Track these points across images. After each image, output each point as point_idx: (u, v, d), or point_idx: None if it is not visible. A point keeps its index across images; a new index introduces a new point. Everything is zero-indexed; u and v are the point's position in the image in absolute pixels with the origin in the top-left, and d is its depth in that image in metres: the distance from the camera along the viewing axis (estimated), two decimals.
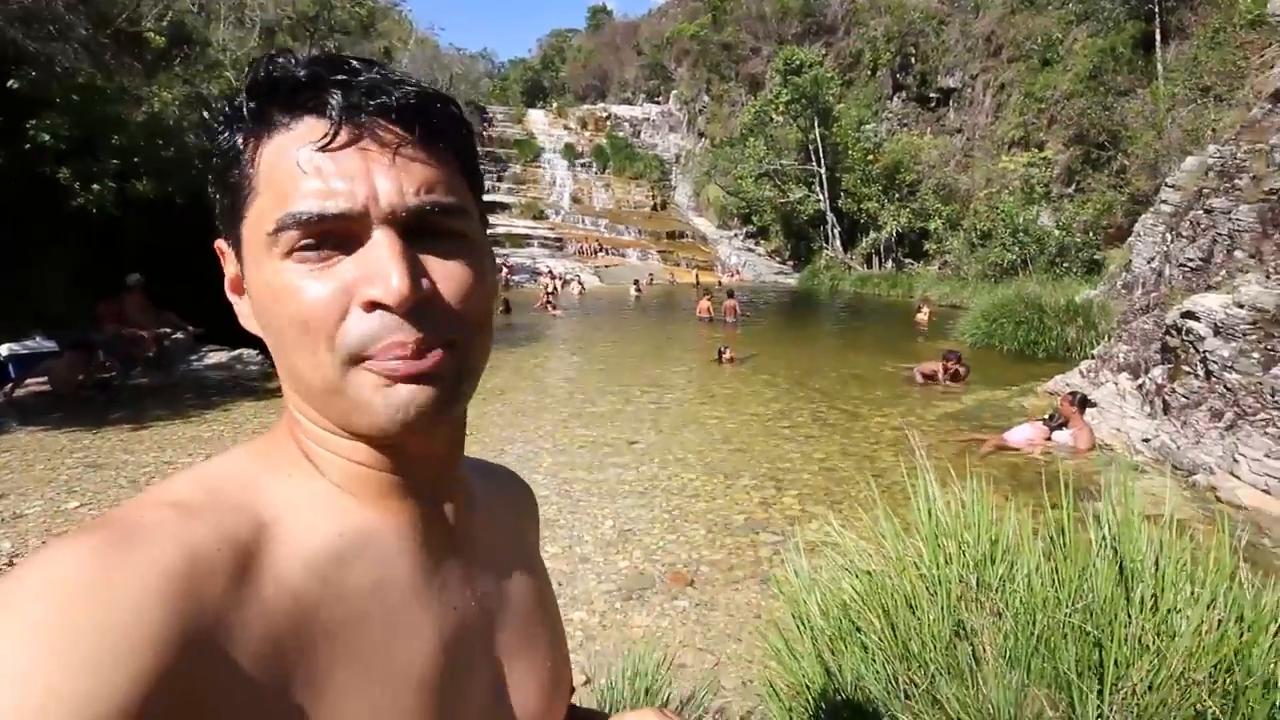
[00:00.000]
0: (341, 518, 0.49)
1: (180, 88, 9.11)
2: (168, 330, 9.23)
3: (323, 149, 0.45)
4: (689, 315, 16.66)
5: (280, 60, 0.47)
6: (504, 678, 0.57)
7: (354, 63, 0.47)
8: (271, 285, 0.46)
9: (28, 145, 7.70)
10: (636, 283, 22.66)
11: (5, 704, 0.33)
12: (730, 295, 16.25)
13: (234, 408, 7.14)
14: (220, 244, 0.52)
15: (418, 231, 0.46)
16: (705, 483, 5.15)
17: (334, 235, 0.45)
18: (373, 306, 0.44)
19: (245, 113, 0.47)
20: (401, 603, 0.49)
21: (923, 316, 15.03)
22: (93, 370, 7.79)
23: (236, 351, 9.22)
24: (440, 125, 0.49)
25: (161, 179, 8.47)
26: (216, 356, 9.13)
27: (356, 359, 0.45)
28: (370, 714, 0.46)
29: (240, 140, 0.47)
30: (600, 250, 29.99)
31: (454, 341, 0.47)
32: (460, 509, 0.57)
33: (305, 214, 0.44)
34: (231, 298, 0.52)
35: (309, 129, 0.45)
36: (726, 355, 10.10)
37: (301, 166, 0.45)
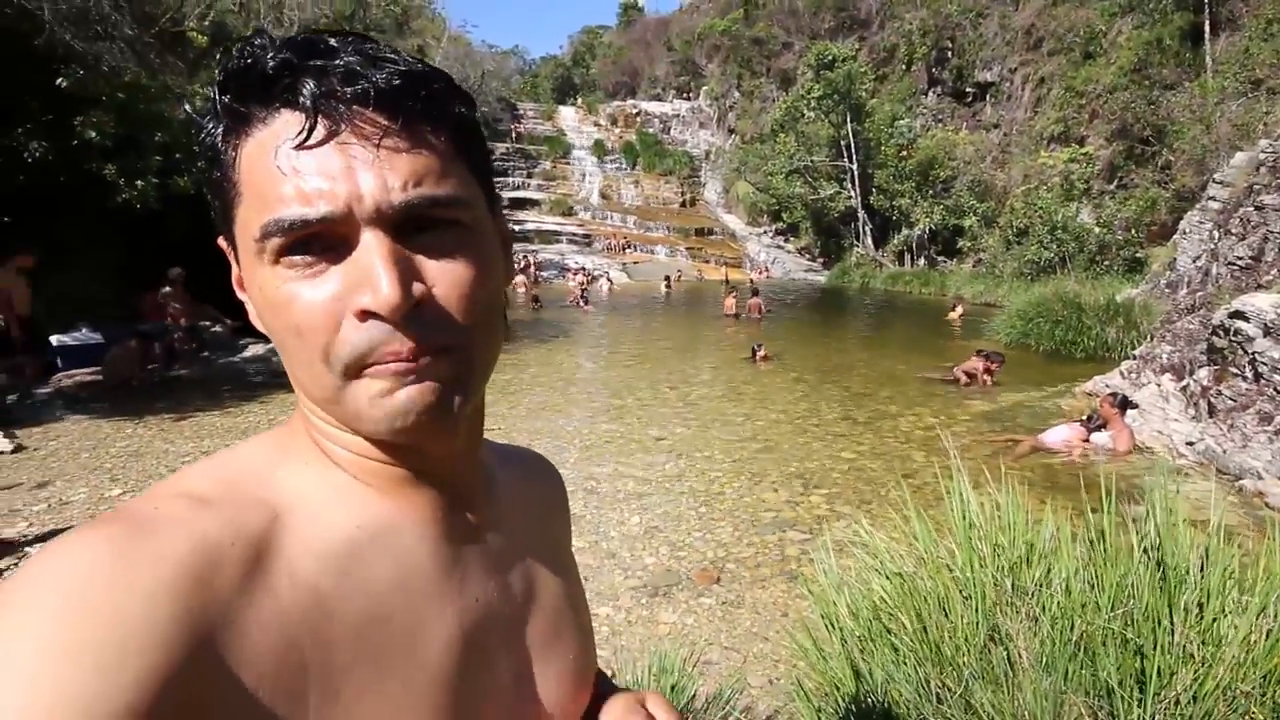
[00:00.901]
0: (359, 510, 0.48)
1: None
2: (206, 323, 9.47)
3: (299, 147, 0.42)
4: (718, 312, 16.59)
5: (255, 44, 0.43)
6: (526, 671, 0.56)
7: (331, 42, 0.44)
8: (265, 293, 0.45)
9: (75, 142, 7.95)
10: (667, 279, 22.61)
11: (12, 703, 0.32)
12: (755, 293, 16.15)
13: (270, 400, 7.29)
14: (222, 242, 0.50)
15: (410, 227, 0.44)
16: (732, 480, 5.13)
17: (321, 239, 0.43)
18: (366, 316, 0.43)
19: (219, 109, 0.44)
20: (421, 597, 0.48)
21: (955, 315, 14.79)
22: (147, 361, 8.06)
23: (272, 345, 9.42)
24: (429, 107, 0.45)
25: None
26: (254, 349, 9.32)
27: (354, 371, 0.44)
28: (389, 710, 0.45)
29: (220, 139, 0.45)
30: (629, 247, 29.99)
31: (453, 345, 0.45)
32: (481, 499, 0.56)
33: (288, 220, 0.42)
34: (240, 295, 0.51)
35: (286, 124, 0.42)
36: (760, 353, 9.89)
37: (279, 167, 0.42)
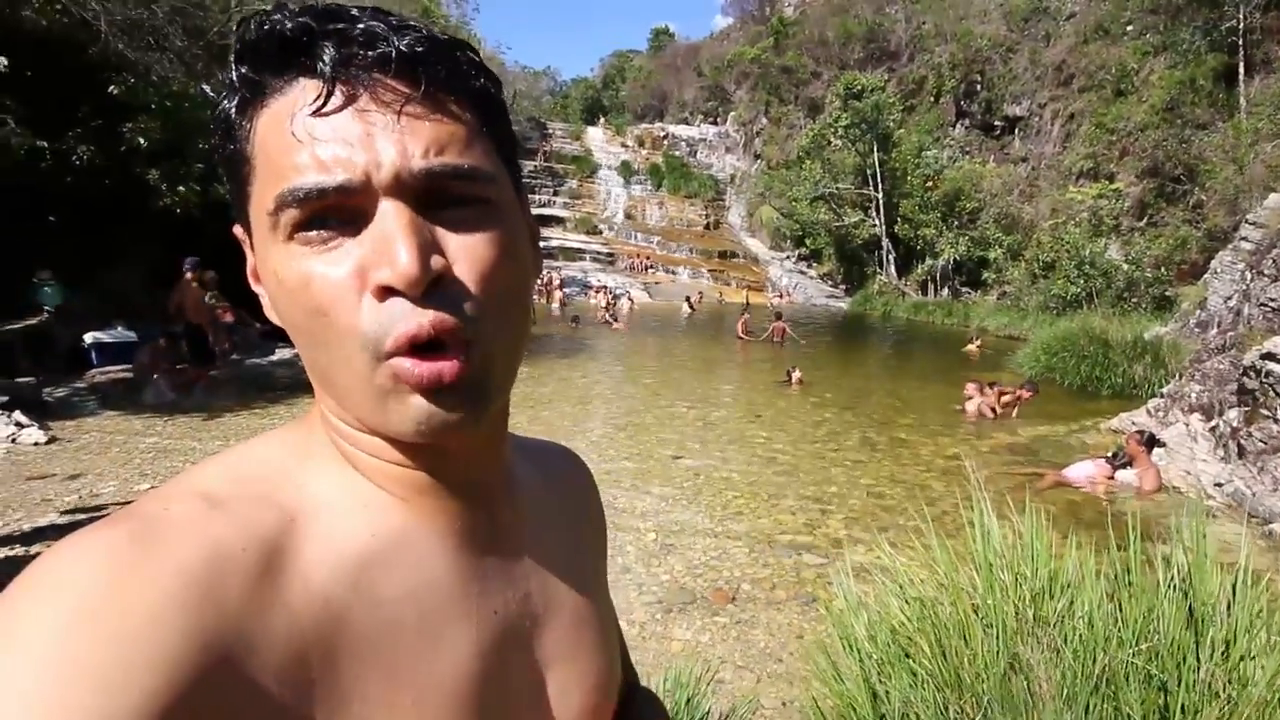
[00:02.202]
0: (376, 517, 0.46)
1: None
2: (238, 325, 9.68)
3: (316, 113, 0.39)
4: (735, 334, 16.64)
5: (274, 16, 0.41)
6: (545, 685, 0.53)
7: (353, 10, 0.41)
8: (279, 273, 0.41)
9: (122, 147, 8.23)
10: (689, 299, 22.69)
11: None
12: (778, 317, 16.15)
13: (297, 403, 7.42)
14: (237, 230, 0.47)
15: (433, 200, 0.41)
16: (749, 501, 5.12)
17: (338, 211, 0.40)
18: (385, 293, 0.40)
19: (236, 80, 0.42)
20: (437, 608, 0.46)
21: (973, 348, 14.72)
22: (177, 361, 8.25)
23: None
24: (453, 77, 0.43)
25: None
26: (283, 353, 9.51)
27: (382, 354, 0.40)
28: None
29: (234, 111, 0.42)
30: (651, 267, 30.17)
31: (474, 337, 0.42)
32: (503, 502, 0.53)
33: (303, 190, 0.39)
34: (254, 287, 0.47)
35: (303, 92, 0.40)
36: (796, 376, 9.80)
37: (295, 135, 0.39)
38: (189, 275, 7.69)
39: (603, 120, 47.88)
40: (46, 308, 8.67)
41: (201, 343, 7.94)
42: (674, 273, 30.31)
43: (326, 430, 0.48)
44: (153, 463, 5.34)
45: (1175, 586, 1.92)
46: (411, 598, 0.45)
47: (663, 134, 43.04)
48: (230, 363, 9.17)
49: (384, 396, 0.41)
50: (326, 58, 0.40)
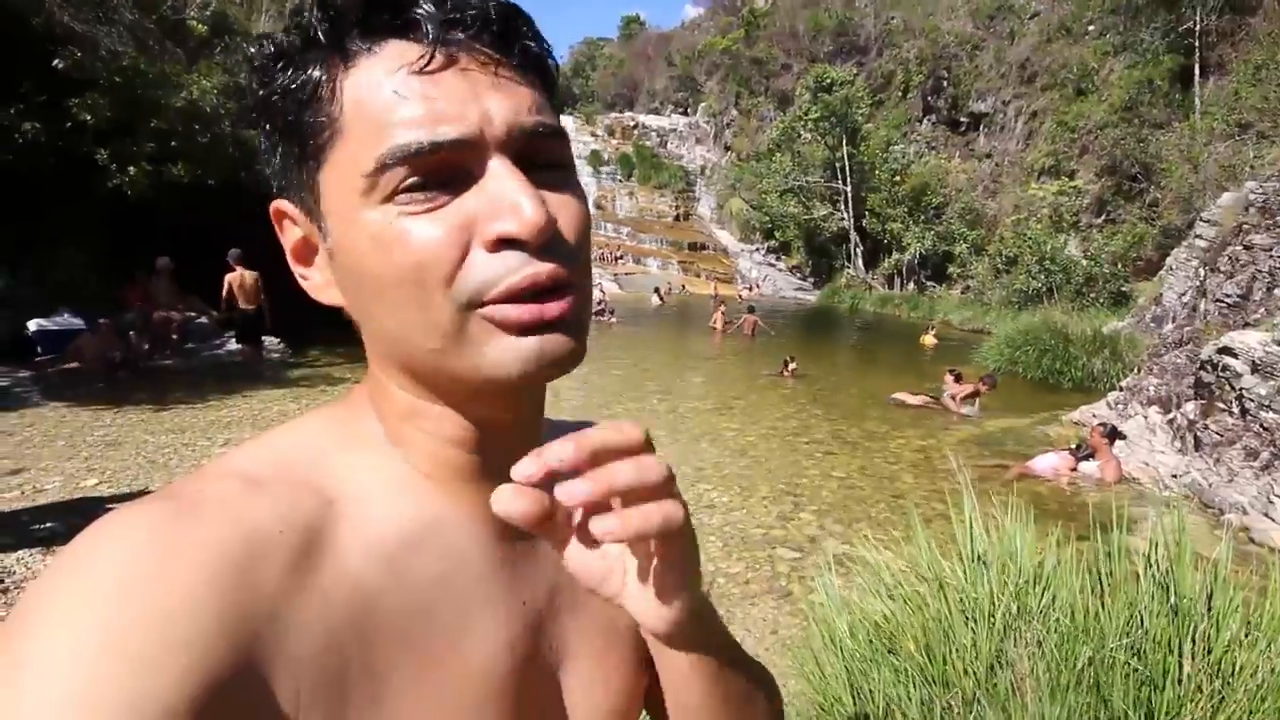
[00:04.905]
0: (411, 502, 0.46)
1: (219, 76, 9.24)
2: (191, 314, 9.33)
3: (421, 72, 0.39)
4: (708, 325, 16.63)
5: None
6: (575, 679, 0.53)
7: None
8: (373, 235, 0.40)
9: (69, 124, 7.83)
10: (658, 290, 22.63)
11: (44, 699, 0.30)
12: (750, 310, 16.21)
13: (253, 394, 7.17)
14: (282, 205, 0.45)
15: (526, 161, 0.41)
16: (722, 495, 5.09)
17: (443, 170, 0.39)
18: (499, 244, 0.39)
19: (321, 39, 0.40)
20: (467, 595, 0.46)
21: (928, 339, 15.03)
22: (124, 348, 7.90)
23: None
24: (534, 43, 0.44)
25: (196, 164, 8.59)
26: (235, 344, 9.18)
27: (476, 303, 0.40)
28: (431, 711, 0.43)
29: (316, 73, 0.41)
30: (621, 258, 30.06)
31: (576, 280, 0.42)
32: None
33: (415, 144, 0.38)
34: (296, 269, 0.46)
35: (397, 52, 0.40)
36: (791, 367, 9.89)
37: (400, 93, 0.39)
38: (235, 266, 8.26)
39: (574, 109, 47.43)
40: None
41: (255, 325, 8.53)
42: (644, 264, 30.25)
43: (375, 408, 0.48)
44: (101, 456, 5.09)
45: (1156, 580, 1.92)
46: (444, 583, 0.45)
47: (633, 123, 42.86)
48: (183, 352, 8.84)
49: (478, 344, 0.40)
50: (428, 17, 0.39)
